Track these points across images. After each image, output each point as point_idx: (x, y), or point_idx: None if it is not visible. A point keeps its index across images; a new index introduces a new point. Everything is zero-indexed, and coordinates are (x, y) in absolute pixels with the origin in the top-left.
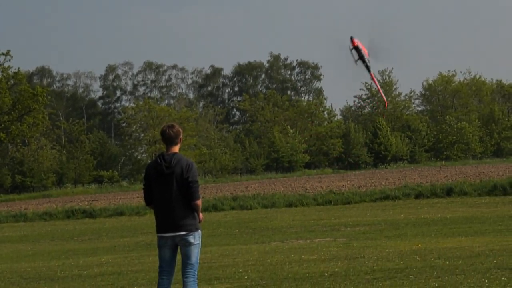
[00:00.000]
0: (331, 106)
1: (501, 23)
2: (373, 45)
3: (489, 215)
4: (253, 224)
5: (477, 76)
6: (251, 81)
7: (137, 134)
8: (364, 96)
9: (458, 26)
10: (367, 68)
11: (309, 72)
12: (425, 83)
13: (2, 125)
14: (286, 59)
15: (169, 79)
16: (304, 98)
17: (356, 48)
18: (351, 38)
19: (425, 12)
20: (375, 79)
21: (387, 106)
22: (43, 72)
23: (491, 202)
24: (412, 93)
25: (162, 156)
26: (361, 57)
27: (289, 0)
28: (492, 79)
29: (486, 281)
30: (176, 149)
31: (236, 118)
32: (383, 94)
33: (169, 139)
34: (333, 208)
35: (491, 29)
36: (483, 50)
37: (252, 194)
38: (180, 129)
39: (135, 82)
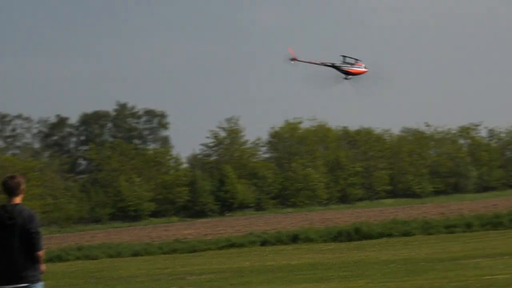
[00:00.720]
0: (178, 154)
1: None
2: None
3: (334, 261)
4: (98, 274)
5: (323, 123)
6: (98, 130)
7: None
8: (210, 144)
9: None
10: (327, 65)
11: (156, 121)
12: (271, 131)
13: None
14: (133, 107)
15: (14, 129)
16: (151, 146)
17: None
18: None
19: (272, 58)
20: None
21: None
22: None
23: (337, 248)
24: (259, 141)
25: (4, 207)
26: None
27: (135, 47)
28: (337, 125)
29: None
30: (18, 199)
31: (82, 168)
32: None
33: (10, 190)
34: (179, 256)
35: None
36: (328, 97)
37: (98, 244)
38: (21, 180)
39: None
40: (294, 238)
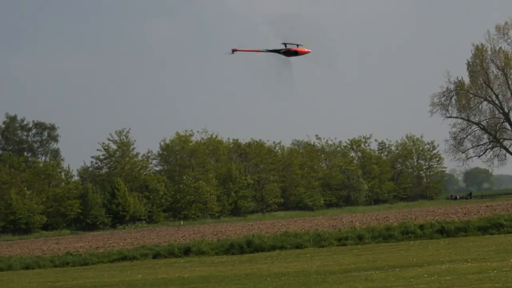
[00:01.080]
0: (69, 167)
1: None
2: None
3: (226, 273)
4: None
5: (214, 136)
6: None
7: None
8: (101, 157)
9: (194, 87)
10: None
11: (46, 133)
12: (162, 143)
13: None
14: (22, 120)
15: None
16: (41, 159)
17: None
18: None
19: (162, 71)
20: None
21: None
22: None
23: (229, 260)
24: (150, 153)
25: None
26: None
27: (26, 59)
28: (228, 138)
29: None
30: None
31: None
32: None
33: None
34: (70, 269)
35: (225, 89)
36: (220, 110)
37: None
38: None
39: None
40: (186, 251)
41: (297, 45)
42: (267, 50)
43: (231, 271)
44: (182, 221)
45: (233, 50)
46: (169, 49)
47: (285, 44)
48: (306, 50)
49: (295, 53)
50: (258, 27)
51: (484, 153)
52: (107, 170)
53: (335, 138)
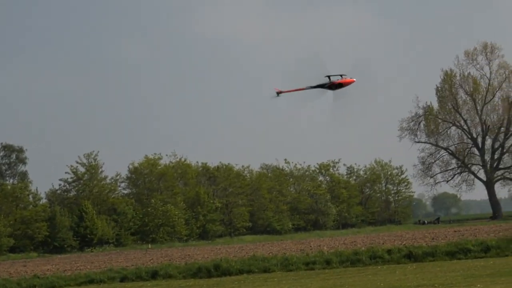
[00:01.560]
0: (37, 189)
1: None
2: None
3: None
4: None
5: (183, 159)
6: None
7: None
8: (69, 180)
9: (163, 110)
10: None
11: (14, 156)
12: (131, 166)
13: None
14: None
15: None
16: (9, 181)
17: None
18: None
19: (133, 92)
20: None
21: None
22: None
23: (196, 284)
24: (118, 176)
25: None
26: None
27: None
28: (197, 161)
29: None
30: None
31: None
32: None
33: None
34: None
35: (194, 112)
36: (188, 133)
37: None
38: None
39: None
40: (154, 274)
41: (341, 76)
42: (311, 87)
43: None
44: (150, 245)
45: (278, 93)
46: (139, 71)
47: (328, 76)
48: (351, 79)
49: (340, 85)
50: (229, 50)
51: (452, 178)
52: (75, 193)
53: (304, 162)
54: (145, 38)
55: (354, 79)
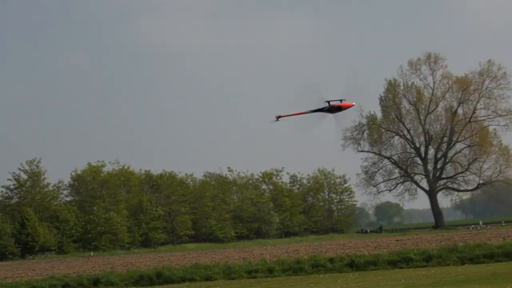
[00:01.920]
0: None
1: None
2: None
3: None
4: None
5: (126, 167)
6: None
7: None
8: (12, 187)
9: (106, 118)
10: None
11: None
12: (73, 173)
13: None
14: None
15: None
16: None
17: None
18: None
19: (77, 103)
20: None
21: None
22: None
23: None
24: (61, 183)
25: None
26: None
27: None
28: (140, 169)
29: None
30: None
31: None
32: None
33: None
34: None
35: (138, 120)
36: (132, 140)
37: None
38: None
39: None
40: (96, 282)
41: (340, 100)
42: (311, 111)
43: None
44: (92, 252)
45: (277, 117)
46: (82, 79)
47: (328, 102)
48: (351, 103)
49: (339, 108)
50: (169, 59)
51: (395, 187)
52: (17, 199)
53: (247, 171)
54: (88, 46)
55: (354, 103)
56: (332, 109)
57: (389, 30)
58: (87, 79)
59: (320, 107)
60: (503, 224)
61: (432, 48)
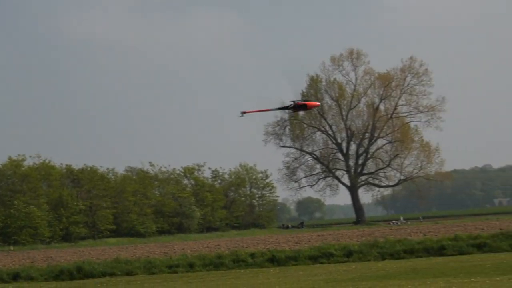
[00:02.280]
0: None
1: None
2: None
3: None
4: None
5: (47, 161)
6: None
7: None
8: None
9: (27, 111)
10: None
11: None
12: None
13: None
14: None
15: None
16: None
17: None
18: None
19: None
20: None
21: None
22: None
23: (58, 287)
24: None
25: None
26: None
27: None
28: (61, 163)
29: None
30: None
31: None
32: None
33: None
34: None
35: (59, 113)
36: (53, 134)
37: None
38: None
39: None
40: (15, 276)
41: (306, 100)
42: (277, 108)
43: None
44: (12, 246)
45: (242, 113)
46: (2, 72)
47: (293, 101)
48: (316, 103)
49: (304, 106)
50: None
51: (316, 183)
52: None
53: (169, 165)
54: (10, 40)
55: (319, 103)
56: (297, 106)
57: (312, 26)
58: (6, 72)
59: (285, 105)
60: (421, 220)
61: (356, 45)
